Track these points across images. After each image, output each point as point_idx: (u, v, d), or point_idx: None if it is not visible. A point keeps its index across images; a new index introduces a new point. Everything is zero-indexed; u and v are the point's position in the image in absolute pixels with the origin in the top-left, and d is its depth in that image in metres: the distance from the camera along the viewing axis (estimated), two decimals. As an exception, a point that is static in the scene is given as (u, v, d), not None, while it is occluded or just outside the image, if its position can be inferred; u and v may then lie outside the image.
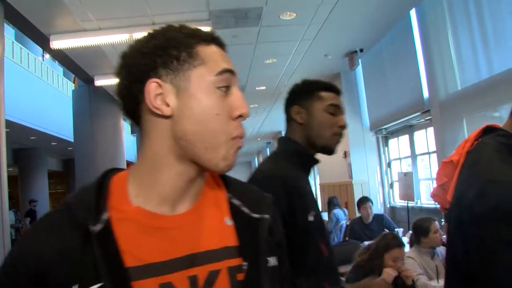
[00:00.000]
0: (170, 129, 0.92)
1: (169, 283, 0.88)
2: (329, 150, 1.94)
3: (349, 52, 8.31)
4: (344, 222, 7.53)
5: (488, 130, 1.73)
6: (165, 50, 0.91)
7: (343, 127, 1.93)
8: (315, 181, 12.59)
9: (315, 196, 2.00)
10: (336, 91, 1.96)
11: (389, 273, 3.04)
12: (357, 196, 7.70)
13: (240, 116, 0.95)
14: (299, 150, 1.90)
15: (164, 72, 0.91)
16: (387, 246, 3.17)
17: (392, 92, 7.84)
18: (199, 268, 0.93)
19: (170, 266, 0.89)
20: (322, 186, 11.90)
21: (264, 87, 10.40)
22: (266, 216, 1.04)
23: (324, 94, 1.91)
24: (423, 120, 7.16)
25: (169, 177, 0.94)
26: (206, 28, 6.43)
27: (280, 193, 1.66)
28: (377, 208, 8.38)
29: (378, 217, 6.10)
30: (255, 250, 0.99)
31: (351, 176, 9.24)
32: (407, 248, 3.82)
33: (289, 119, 1.97)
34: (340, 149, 8.59)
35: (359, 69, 9.25)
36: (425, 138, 7.47)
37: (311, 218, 1.75)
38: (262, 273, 0.98)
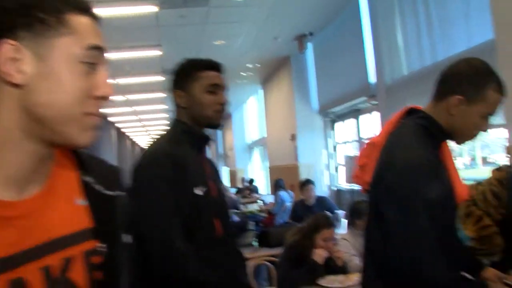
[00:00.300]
0: (19, 100, 0.80)
1: (19, 278, 0.79)
2: (214, 126, 1.98)
3: (299, 36, 8.33)
4: (289, 204, 7.58)
5: (411, 112, 1.75)
6: (30, 10, 0.79)
7: (223, 104, 1.95)
8: (264, 164, 12.64)
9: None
10: (215, 68, 1.96)
11: (319, 254, 3.06)
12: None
13: (102, 97, 0.86)
14: (186, 129, 1.94)
15: (24, 35, 0.79)
16: (317, 227, 3.19)
17: (340, 76, 7.91)
18: (52, 257, 0.84)
19: (19, 259, 0.79)
20: (271, 169, 11.97)
21: (212, 69, 10.23)
22: (121, 193, 0.99)
23: (202, 74, 1.92)
24: (369, 104, 7.24)
25: (15, 155, 0.82)
26: (152, 8, 6.29)
27: (163, 167, 1.77)
28: (322, 190, 8.49)
29: (320, 199, 6.16)
30: (111, 230, 0.94)
31: (297, 159, 9.31)
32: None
33: (174, 103, 2.00)
34: (287, 131, 8.73)
35: (310, 53, 9.28)
36: (371, 122, 7.57)
37: (199, 192, 1.82)
38: (119, 253, 0.94)
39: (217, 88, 1.93)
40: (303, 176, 8.16)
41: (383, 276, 1.64)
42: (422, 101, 1.80)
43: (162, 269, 1.72)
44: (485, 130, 1.68)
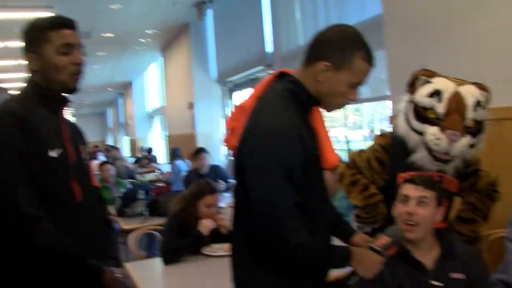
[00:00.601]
0: None
1: None
2: (69, 91, 1.85)
3: (198, 2, 8.17)
4: (185, 173, 7.48)
5: (282, 76, 1.70)
6: None
7: (79, 64, 1.81)
8: (164, 133, 12.45)
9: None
10: (67, 26, 1.80)
11: (205, 226, 3.00)
12: (201, 147, 7.72)
13: None
14: (39, 91, 1.80)
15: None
16: (200, 193, 3.14)
17: (239, 45, 7.88)
18: None
19: None
20: (170, 138, 11.80)
21: (112, 35, 9.83)
22: None
23: (53, 33, 1.76)
24: (266, 74, 7.26)
25: None
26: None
27: (8, 129, 1.65)
28: (219, 160, 8.49)
29: (214, 168, 6.12)
30: None
31: (195, 128, 9.22)
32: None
33: (28, 67, 1.83)
34: (185, 100, 8.58)
35: (209, 20, 9.14)
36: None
37: (53, 154, 1.72)
38: None
39: (71, 48, 1.77)
40: (201, 145, 8.09)
41: (249, 242, 1.61)
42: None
43: (15, 238, 1.62)
44: (353, 100, 1.66)
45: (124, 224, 4.83)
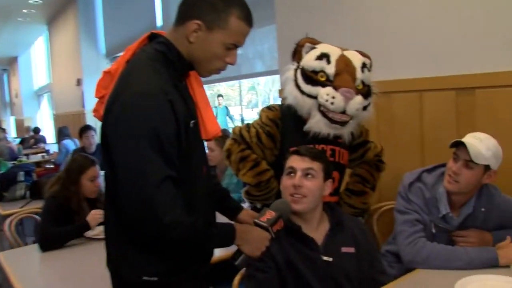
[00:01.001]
0: None
1: None
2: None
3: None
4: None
5: (152, 37, 1.57)
6: None
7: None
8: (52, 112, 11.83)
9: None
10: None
11: (94, 217, 2.78)
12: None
13: None
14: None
15: None
16: (81, 168, 2.94)
17: (129, 19, 7.57)
18: None
19: None
20: (57, 116, 11.21)
21: (-13, 3, 9.07)
22: None
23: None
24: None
25: None
26: None
27: None
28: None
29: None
30: None
31: (84, 105, 8.81)
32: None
33: None
34: (73, 76, 8.11)
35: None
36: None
37: None
38: None
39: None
40: (90, 123, 7.73)
41: (121, 222, 1.48)
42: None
43: None
44: (231, 63, 1.55)
45: (2, 209, 4.50)
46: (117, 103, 1.39)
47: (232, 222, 1.72)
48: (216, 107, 11.86)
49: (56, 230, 2.78)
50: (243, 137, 2.41)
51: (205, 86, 1.78)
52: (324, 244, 1.89)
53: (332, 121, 2.22)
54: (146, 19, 6.93)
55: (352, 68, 2.26)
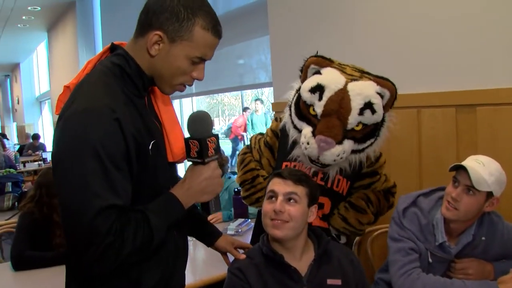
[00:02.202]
0: None
1: None
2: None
3: (82, -22, 7.64)
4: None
5: (113, 49, 1.42)
6: None
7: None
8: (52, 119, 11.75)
9: None
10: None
11: None
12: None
13: None
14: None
15: None
16: (51, 182, 2.77)
17: (126, 25, 7.44)
18: None
19: None
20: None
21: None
22: None
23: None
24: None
25: None
26: None
27: None
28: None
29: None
30: None
31: None
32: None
33: None
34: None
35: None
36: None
37: None
38: None
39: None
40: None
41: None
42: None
43: None
44: (199, 78, 1.39)
45: (-12, 221, 4.38)
46: (62, 119, 1.24)
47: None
48: (252, 113, 11.09)
49: (30, 255, 2.62)
50: (250, 143, 2.47)
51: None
52: (308, 275, 1.73)
53: (311, 160, 2.02)
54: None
55: (346, 109, 1.94)
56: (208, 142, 1.36)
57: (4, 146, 9.44)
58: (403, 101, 2.62)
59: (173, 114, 1.52)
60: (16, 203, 4.73)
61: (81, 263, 1.22)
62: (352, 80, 1.99)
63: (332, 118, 1.95)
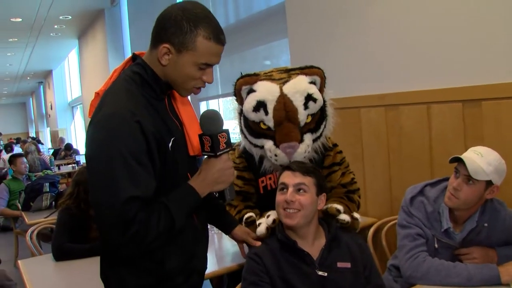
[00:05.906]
0: None
1: None
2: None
3: (110, -13, 7.90)
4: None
5: (134, 59, 1.62)
6: None
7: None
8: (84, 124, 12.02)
9: None
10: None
11: None
12: None
13: None
14: None
15: None
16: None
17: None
18: None
19: None
20: (89, 128, 11.41)
21: (20, 19, 9.33)
22: None
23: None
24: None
25: None
26: None
27: None
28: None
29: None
30: None
31: None
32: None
33: None
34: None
35: (124, 7, 8.87)
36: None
37: None
38: None
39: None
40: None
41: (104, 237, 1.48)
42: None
43: None
44: (209, 81, 1.56)
45: (28, 219, 4.68)
46: (92, 124, 1.44)
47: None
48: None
49: (69, 247, 2.84)
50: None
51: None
52: (319, 259, 1.89)
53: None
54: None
55: (293, 111, 2.10)
56: (219, 137, 1.51)
57: (39, 151, 9.85)
58: (414, 98, 2.76)
59: (192, 113, 1.70)
60: (53, 202, 5.01)
61: (111, 247, 1.43)
62: (284, 83, 2.15)
63: (285, 124, 2.11)
